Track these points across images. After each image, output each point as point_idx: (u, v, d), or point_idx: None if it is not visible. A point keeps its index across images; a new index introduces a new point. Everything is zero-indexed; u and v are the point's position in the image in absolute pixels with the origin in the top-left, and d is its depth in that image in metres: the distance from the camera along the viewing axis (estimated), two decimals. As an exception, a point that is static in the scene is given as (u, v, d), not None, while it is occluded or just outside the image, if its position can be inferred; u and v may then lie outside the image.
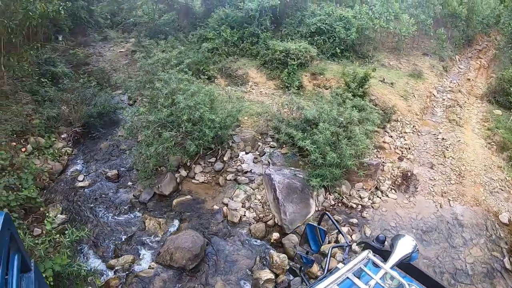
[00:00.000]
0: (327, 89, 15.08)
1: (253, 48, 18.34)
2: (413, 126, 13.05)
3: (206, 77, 16.83)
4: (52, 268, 6.10)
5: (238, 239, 8.21)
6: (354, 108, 10.41)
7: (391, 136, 12.27)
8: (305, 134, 9.46)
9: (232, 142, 11.51)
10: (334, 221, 3.00)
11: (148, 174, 9.54)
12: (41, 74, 15.44)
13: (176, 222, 8.65)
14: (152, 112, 9.81)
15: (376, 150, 11.28)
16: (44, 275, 5.87)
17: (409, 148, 11.79)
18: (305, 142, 8.97)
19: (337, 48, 17.72)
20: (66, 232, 6.88)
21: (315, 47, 17.11)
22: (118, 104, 14.11)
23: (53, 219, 8.18)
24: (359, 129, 9.37)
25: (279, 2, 17.67)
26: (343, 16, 17.92)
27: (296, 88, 15.91)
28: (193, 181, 9.95)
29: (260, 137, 12.04)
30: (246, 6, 18.12)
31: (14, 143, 9.94)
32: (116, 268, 7.40)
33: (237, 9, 18.95)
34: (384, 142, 11.90)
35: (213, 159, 10.58)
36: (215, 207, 9.12)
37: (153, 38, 19.07)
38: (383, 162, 10.81)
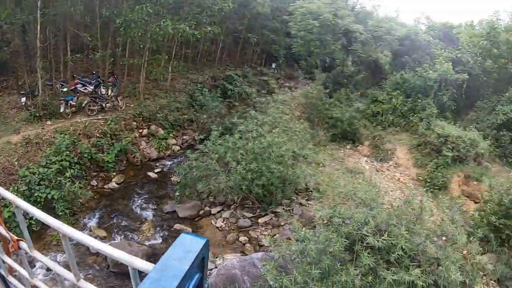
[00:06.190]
0: (476, 203, 9.93)
1: (421, 124, 14.73)
2: None
3: (351, 141, 15.35)
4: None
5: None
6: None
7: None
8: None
9: (286, 209, 9.58)
10: None
11: (182, 192, 9.69)
12: (214, 86, 18.67)
13: (159, 239, 8.62)
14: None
15: None
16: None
17: None
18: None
19: (525, 151, 11.43)
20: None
21: (491, 142, 11.69)
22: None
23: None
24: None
25: (467, 76, 13.15)
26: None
27: (437, 188, 11.37)
28: (212, 221, 9.08)
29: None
30: (426, 74, 14.76)
31: (135, 123, 12.65)
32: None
33: (417, 75, 15.78)
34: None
35: (248, 214, 9.25)
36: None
37: (332, 86, 18.89)
38: None
